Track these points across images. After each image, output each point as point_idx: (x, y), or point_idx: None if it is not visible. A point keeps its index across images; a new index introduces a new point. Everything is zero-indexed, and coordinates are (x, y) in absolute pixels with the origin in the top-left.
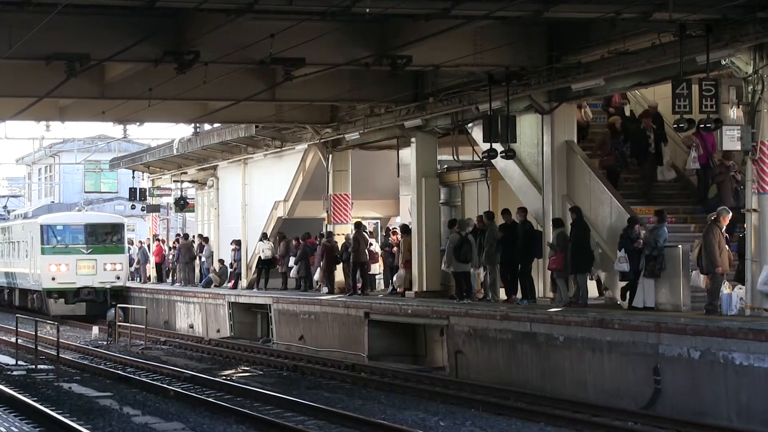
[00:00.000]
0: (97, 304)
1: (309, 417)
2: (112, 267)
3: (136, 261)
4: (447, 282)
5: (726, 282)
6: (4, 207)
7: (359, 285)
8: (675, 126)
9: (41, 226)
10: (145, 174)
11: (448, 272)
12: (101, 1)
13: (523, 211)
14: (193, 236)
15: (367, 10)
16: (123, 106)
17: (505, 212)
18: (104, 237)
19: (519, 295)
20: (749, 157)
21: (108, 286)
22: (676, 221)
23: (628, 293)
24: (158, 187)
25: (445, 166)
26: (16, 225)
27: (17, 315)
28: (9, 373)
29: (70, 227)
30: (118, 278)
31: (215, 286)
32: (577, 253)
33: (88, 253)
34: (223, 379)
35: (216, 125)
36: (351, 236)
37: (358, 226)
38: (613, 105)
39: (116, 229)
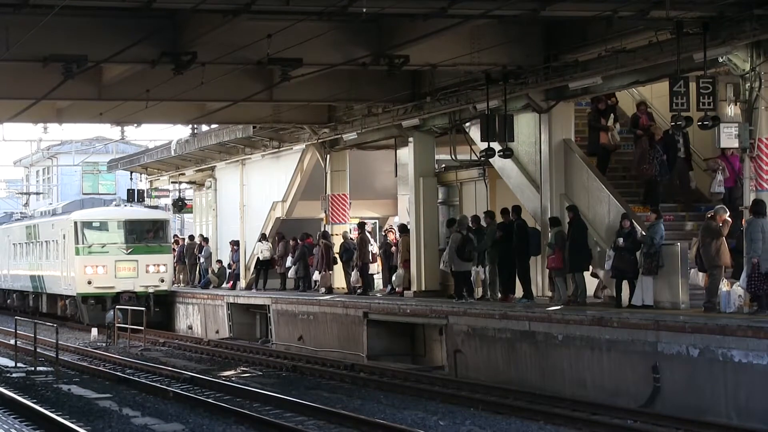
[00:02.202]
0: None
1: (308, 417)
2: (156, 269)
3: None
4: (446, 281)
5: (725, 279)
6: (25, 205)
7: (358, 285)
8: (673, 124)
9: (75, 223)
10: (143, 175)
11: (446, 272)
12: (98, 3)
13: (516, 209)
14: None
15: (364, 10)
16: (120, 108)
17: (504, 211)
18: (146, 235)
19: (519, 294)
20: (747, 155)
21: (151, 290)
22: (674, 219)
23: (628, 291)
24: (156, 189)
25: (443, 165)
26: (43, 223)
27: (16, 318)
28: (8, 375)
29: (107, 224)
30: (162, 281)
31: (214, 286)
32: (575, 251)
33: (129, 254)
34: (223, 380)
35: (213, 126)
36: (349, 236)
37: (362, 226)
38: (641, 127)
39: (159, 225)
